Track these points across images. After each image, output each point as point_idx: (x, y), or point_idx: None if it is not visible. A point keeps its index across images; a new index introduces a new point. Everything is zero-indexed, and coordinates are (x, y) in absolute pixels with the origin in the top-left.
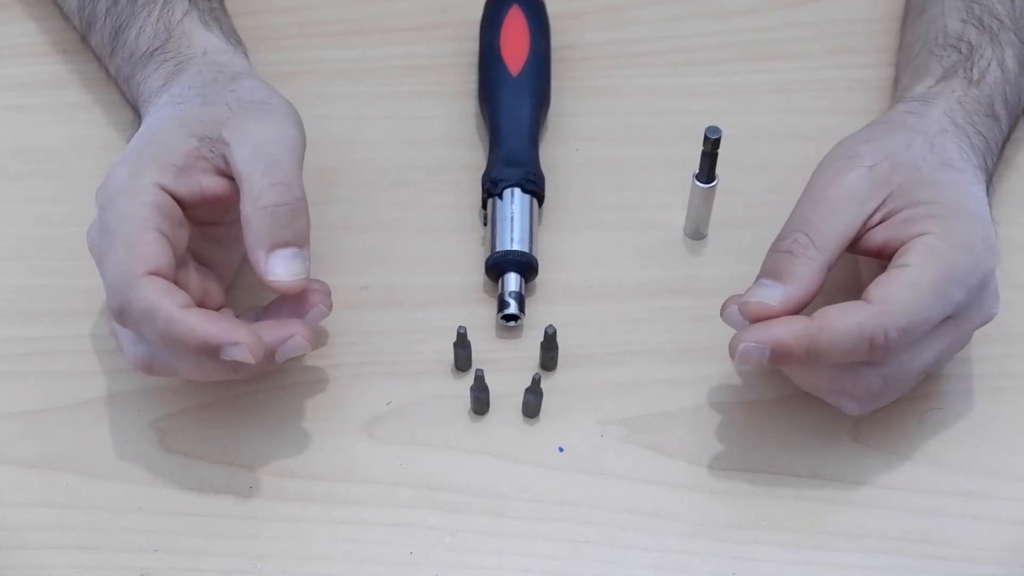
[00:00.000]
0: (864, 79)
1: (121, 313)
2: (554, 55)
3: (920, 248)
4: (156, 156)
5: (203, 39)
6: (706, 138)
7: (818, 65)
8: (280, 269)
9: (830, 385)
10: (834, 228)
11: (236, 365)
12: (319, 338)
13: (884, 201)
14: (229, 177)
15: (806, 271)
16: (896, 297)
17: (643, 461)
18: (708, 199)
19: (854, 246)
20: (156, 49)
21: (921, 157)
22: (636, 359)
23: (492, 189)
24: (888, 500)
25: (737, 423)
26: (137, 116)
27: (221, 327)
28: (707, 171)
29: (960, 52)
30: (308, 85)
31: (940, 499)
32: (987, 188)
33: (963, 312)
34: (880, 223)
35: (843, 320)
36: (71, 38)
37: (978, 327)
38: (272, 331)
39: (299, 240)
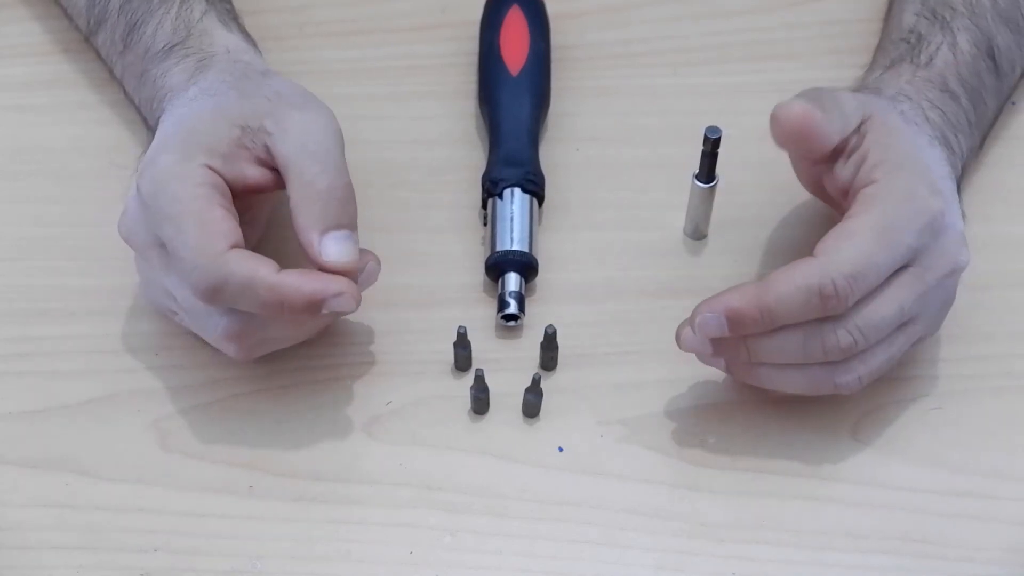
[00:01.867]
0: None
1: (215, 291)
2: (554, 55)
3: (861, 199)
4: (201, 143)
5: (224, 37)
6: (706, 138)
7: (818, 65)
8: (333, 251)
9: (804, 355)
10: (844, 108)
11: (325, 319)
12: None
13: (863, 123)
14: (269, 168)
15: (837, 107)
16: (838, 247)
17: (643, 461)
18: (708, 199)
19: (828, 176)
20: (176, 45)
21: (886, 106)
22: (636, 359)
23: (492, 189)
24: (888, 500)
25: (737, 423)
26: (140, 115)
27: (323, 281)
28: (707, 171)
29: (908, 43)
30: (308, 85)
31: (940, 499)
32: (955, 164)
33: (921, 258)
34: (852, 153)
35: (788, 276)
36: (72, 38)
37: (948, 276)
38: (321, 282)
39: (350, 223)
